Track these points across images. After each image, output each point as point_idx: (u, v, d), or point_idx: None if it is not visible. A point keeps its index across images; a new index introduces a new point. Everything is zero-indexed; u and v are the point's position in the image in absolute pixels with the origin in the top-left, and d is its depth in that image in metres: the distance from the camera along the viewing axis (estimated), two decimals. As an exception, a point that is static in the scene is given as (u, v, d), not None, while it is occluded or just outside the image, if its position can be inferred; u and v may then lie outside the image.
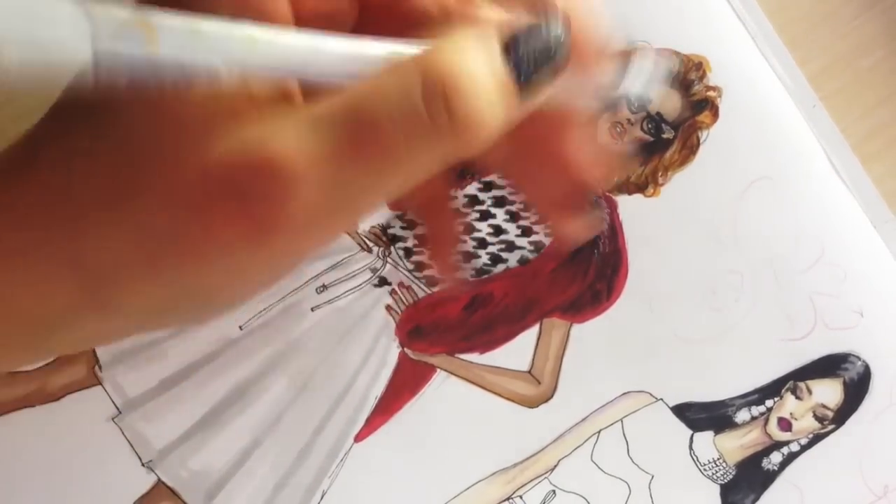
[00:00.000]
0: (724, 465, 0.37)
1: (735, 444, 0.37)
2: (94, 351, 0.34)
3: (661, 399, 0.36)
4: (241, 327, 0.35)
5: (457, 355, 0.36)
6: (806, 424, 0.37)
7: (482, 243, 0.36)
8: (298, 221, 0.20)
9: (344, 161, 0.20)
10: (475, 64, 0.20)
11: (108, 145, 0.20)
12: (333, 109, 0.20)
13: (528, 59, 0.21)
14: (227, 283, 0.22)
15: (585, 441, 0.36)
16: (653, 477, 0.36)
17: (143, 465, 0.34)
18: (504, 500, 0.36)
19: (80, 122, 0.21)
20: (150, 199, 0.20)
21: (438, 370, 0.36)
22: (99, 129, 0.21)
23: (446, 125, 0.20)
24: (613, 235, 0.36)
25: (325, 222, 0.20)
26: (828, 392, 0.37)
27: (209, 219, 0.20)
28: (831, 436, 0.37)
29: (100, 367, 0.34)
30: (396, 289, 0.36)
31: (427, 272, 0.36)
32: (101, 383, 0.34)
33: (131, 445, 0.34)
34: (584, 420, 0.36)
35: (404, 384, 0.36)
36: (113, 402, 0.34)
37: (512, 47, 0.21)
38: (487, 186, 0.36)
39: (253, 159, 0.19)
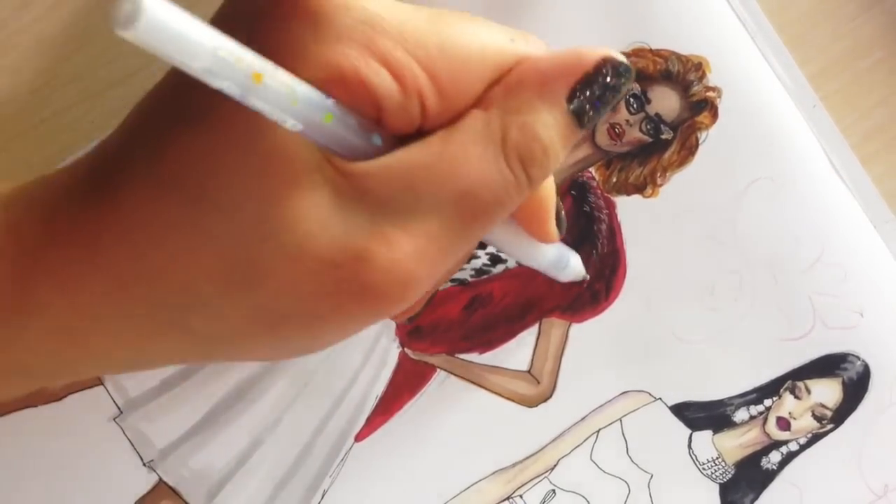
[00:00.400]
0: (722, 464, 0.37)
1: (734, 444, 0.37)
2: (95, 351, 0.35)
3: (660, 398, 0.37)
4: (241, 327, 0.35)
5: (457, 355, 0.36)
6: (805, 424, 0.37)
7: (481, 243, 0.36)
8: (414, 293, 0.22)
9: (452, 238, 0.22)
10: (546, 131, 0.22)
11: (210, 224, 0.21)
12: (429, 189, 0.21)
13: (592, 104, 0.22)
14: (336, 337, 0.24)
15: (585, 440, 0.36)
16: (652, 476, 0.37)
17: (144, 464, 0.35)
18: (504, 500, 0.36)
19: (151, 159, 0.21)
20: (271, 286, 0.21)
21: (438, 370, 0.36)
22: (187, 192, 0.21)
23: (527, 185, 0.22)
24: (612, 236, 0.36)
25: (435, 280, 0.23)
26: (826, 392, 0.37)
27: (339, 302, 0.21)
28: (830, 435, 0.37)
29: (101, 367, 0.35)
30: (396, 289, 0.36)
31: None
32: (102, 383, 0.35)
33: (133, 445, 0.35)
34: (583, 419, 0.36)
35: (405, 384, 0.36)
36: (114, 401, 0.35)
37: (577, 96, 0.22)
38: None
39: (376, 259, 0.21)
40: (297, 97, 0.19)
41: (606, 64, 0.22)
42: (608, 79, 0.22)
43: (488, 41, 0.22)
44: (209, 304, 0.21)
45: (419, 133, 0.22)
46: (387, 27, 0.21)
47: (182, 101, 0.21)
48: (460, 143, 0.21)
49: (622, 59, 0.23)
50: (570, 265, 0.29)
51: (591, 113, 0.22)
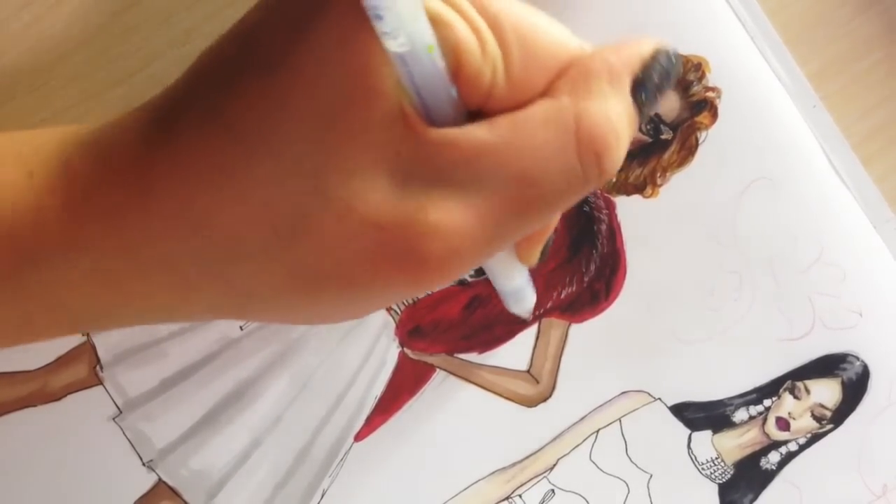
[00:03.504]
0: (722, 464, 0.37)
1: (733, 444, 0.37)
2: (94, 350, 0.35)
3: (660, 399, 0.37)
4: (241, 327, 0.35)
5: (456, 355, 0.36)
6: (804, 424, 0.37)
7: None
8: (456, 270, 0.21)
9: (503, 222, 0.21)
10: (619, 119, 0.22)
11: (262, 171, 0.20)
12: (490, 169, 0.21)
13: (653, 90, 0.22)
14: (370, 305, 0.23)
15: (584, 440, 0.36)
16: (651, 476, 0.37)
17: (143, 464, 0.35)
18: (503, 500, 0.36)
19: (212, 104, 0.21)
20: (312, 242, 0.20)
21: (438, 370, 0.36)
22: (244, 136, 0.20)
23: (596, 176, 0.22)
24: (612, 236, 0.36)
25: (477, 262, 0.22)
26: (826, 392, 0.37)
27: (379, 267, 0.21)
28: (829, 435, 0.37)
29: (101, 367, 0.35)
30: (396, 289, 0.36)
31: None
32: (101, 383, 0.35)
33: (132, 445, 0.35)
34: (582, 419, 0.36)
35: (404, 384, 0.36)
36: (114, 401, 0.35)
37: (641, 84, 0.22)
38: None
39: (424, 227, 0.20)
40: (419, 17, 0.19)
41: (660, 52, 0.23)
42: (663, 66, 0.22)
43: (559, 38, 0.22)
44: (251, 257, 0.21)
45: (481, 114, 0.21)
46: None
47: (253, 49, 0.21)
48: (530, 129, 0.21)
49: (672, 46, 0.23)
50: (525, 300, 0.30)
51: (650, 100, 0.22)
